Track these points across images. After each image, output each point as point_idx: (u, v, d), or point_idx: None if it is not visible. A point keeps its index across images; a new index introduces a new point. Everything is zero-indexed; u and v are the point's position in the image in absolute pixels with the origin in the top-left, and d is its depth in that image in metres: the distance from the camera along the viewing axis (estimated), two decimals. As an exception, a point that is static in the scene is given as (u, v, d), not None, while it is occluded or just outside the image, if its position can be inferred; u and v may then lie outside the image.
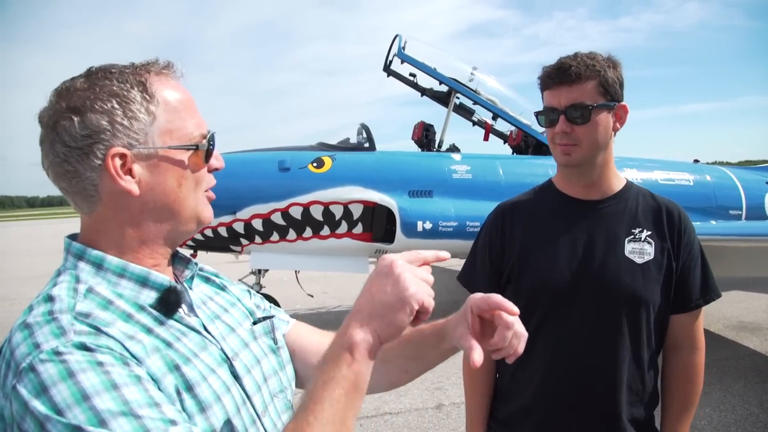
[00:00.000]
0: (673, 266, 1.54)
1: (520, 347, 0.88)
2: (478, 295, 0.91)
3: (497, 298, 0.88)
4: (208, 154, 0.92)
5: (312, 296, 6.70)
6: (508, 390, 1.64)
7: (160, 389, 0.74)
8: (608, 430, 1.52)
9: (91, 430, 0.64)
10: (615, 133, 1.56)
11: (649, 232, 1.54)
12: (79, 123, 0.81)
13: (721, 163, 11.70)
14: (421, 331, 1.04)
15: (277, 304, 5.56)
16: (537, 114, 1.60)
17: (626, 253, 1.52)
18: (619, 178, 1.63)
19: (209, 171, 0.95)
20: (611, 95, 1.50)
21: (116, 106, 0.83)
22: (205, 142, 0.91)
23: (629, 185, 1.63)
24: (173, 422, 0.70)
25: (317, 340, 1.15)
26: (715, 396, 4.40)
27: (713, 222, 6.70)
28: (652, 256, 1.52)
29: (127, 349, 0.74)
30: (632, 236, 1.54)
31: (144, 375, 0.73)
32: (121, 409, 0.66)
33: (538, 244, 1.57)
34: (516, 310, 0.88)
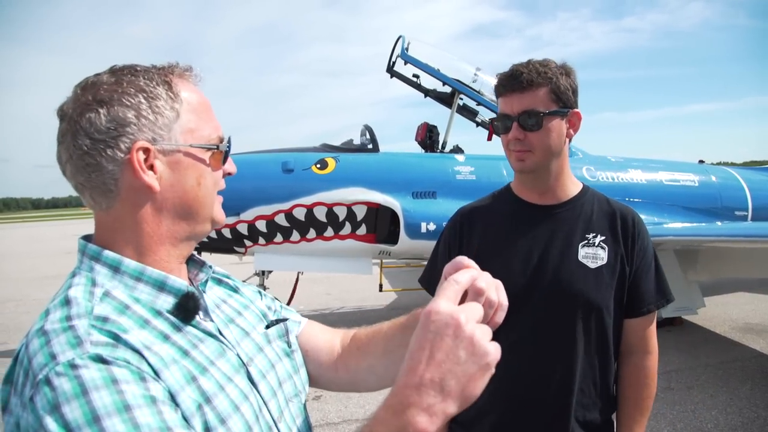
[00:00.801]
0: (626, 271, 1.55)
1: (498, 317, 0.78)
2: (450, 264, 0.83)
3: (461, 259, 0.81)
4: (226, 156, 0.94)
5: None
6: None
7: (177, 403, 0.73)
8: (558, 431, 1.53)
9: None
10: (569, 140, 1.58)
11: (603, 237, 1.56)
12: (105, 115, 0.82)
13: (726, 164, 11.65)
14: (415, 314, 1.02)
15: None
16: (492, 121, 1.62)
17: (579, 257, 1.54)
18: (576, 183, 1.65)
19: (222, 175, 0.96)
20: (564, 102, 1.51)
21: (143, 100, 0.84)
22: (224, 144, 0.93)
23: (585, 190, 1.65)
24: None
25: (328, 338, 1.15)
26: (722, 398, 4.37)
27: (719, 223, 6.67)
28: (605, 261, 1.54)
29: (145, 359, 0.73)
30: (586, 241, 1.55)
31: (160, 394, 0.71)
32: None
33: (493, 249, 1.59)
34: (473, 264, 0.80)
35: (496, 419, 1.57)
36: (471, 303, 0.71)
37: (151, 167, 0.84)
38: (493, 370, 0.67)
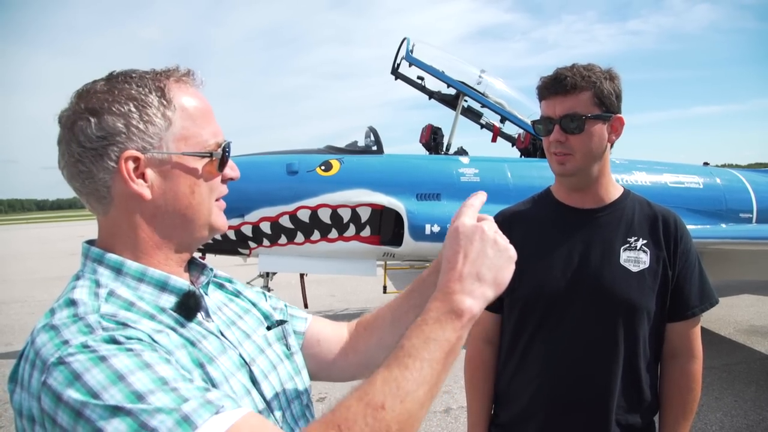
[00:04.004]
0: (668, 275, 1.55)
1: None
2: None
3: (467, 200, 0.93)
4: (222, 162, 0.92)
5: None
6: (507, 395, 1.67)
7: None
8: None
9: (130, 407, 0.64)
10: (611, 145, 1.58)
11: (645, 241, 1.56)
12: (95, 124, 0.82)
13: (731, 166, 11.61)
14: (421, 277, 1.09)
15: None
16: (534, 123, 1.63)
17: (621, 261, 1.54)
18: (616, 186, 1.65)
19: (223, 180, 0.95)
20: (607, 107, 1.52)
21: (133, 109, 0.84)
22: (219, 150, 0.91)
23: (626, 194, 1.65)
24: (208, 389, 0.71)
25: (335, 328, 1.19)
26: (727, 401, 4.36)
27: (723, 225, 6.65)
28: (647, 265, 1.53)
29: (156, 342, 0.75)
30: (627, 245, 1.55)
31: (173, 360, 0.74)
32: (157, 384, 0.66)
33: (534, 253, 1.59)
34: (483, 192, 0.95)
35: (538, 421, 1.57)
36: (487, 220, 0.88)
37: (143, 175, 0.85)
38: (514, 265, 0.85)
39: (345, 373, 1.16)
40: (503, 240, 0.85)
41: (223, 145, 0.92)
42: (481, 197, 0.92)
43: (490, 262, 0.82)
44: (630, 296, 1.51)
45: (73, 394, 0.65)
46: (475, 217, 0.88)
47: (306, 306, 6.51)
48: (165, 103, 0.86)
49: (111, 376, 0.66)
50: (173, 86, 0.88)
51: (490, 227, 0.85)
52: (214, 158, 0.90)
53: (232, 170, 0.95)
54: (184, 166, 0.88)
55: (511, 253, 0.85)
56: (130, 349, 0.70)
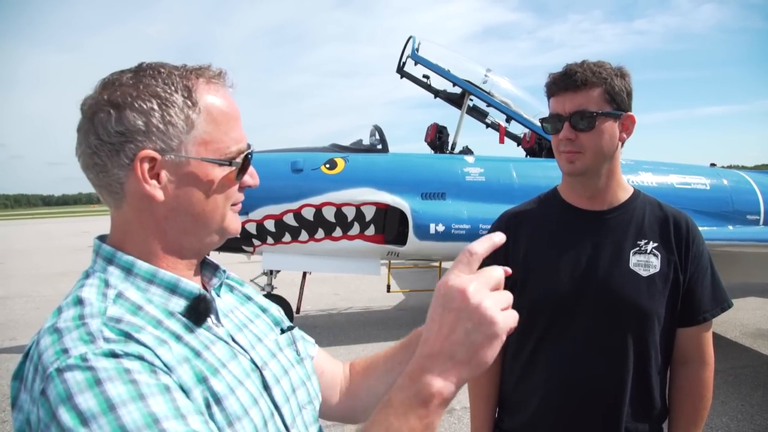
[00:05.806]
0: (680, 279, 1.50)
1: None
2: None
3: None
4: (241, 171, 0.89)
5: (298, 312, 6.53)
6: (512, 400, 1.63)
7: (189, 399, 0.73)
8: None
9: None
10: (622, 144, 1.53)
11: (656, 244, 1.51)
12: (115, 119, 0.80)
13: (737, 167, 11.54)
14: (417, 331, 1.03)
15: (288, 304, 5.58)
16: (542, 121, 1.58)
17: (631, 265, 1.49)
18: (626, 187, 1.60)
19: (241, 187, 0.92)
20: (618, 104, 1.47)
21: (156, 107, 0.81)
22: (239, 159, 0.88)
23: (636, 194, 1.59)
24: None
25: (331, 368, 1.16)
26: (733, 405, 4.32)
27: (730, 227, 6.61)
28: (657, 269, 1.49)
29: (158, 357, 0.73)
30: (638, 248, 1.51)
31: (172, 384, 0.71)
32: (146, 421, 0.65)
33: (541, 255, 1.55)
34: (500, 234, 0.76)
35: (545, 430, 1.54)
36: (488, 268, 0.71)
37: (157, 176, 0.82)
38: (503, 338, 0.67)
39: (333, 413, 1.14)
40: (490, 309, 0.66)
41: (244, 153, 0.89)
42: (494, 240, 0.73)
43: (467, 341, 0.66)
44: (640, 302, 1.47)
45: (64, 414, 0.64)
46: (472, 269, 0.70)
47: (298, 311, 6.42)
48: (190, 104, 0.83)
49: (102, 404, 0.64)
50: (202, 87, 0.85)
51: (477, 289, 0.67)
52: (232, 166, 0.88)
53: (251, 178, 0.93)
54: (202, 171, 0.85)
55: (496, 328, 0.66)
56: (128, 371, 0.68)
